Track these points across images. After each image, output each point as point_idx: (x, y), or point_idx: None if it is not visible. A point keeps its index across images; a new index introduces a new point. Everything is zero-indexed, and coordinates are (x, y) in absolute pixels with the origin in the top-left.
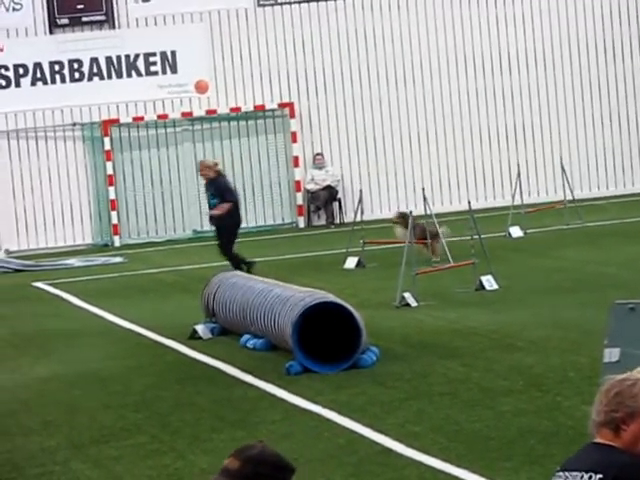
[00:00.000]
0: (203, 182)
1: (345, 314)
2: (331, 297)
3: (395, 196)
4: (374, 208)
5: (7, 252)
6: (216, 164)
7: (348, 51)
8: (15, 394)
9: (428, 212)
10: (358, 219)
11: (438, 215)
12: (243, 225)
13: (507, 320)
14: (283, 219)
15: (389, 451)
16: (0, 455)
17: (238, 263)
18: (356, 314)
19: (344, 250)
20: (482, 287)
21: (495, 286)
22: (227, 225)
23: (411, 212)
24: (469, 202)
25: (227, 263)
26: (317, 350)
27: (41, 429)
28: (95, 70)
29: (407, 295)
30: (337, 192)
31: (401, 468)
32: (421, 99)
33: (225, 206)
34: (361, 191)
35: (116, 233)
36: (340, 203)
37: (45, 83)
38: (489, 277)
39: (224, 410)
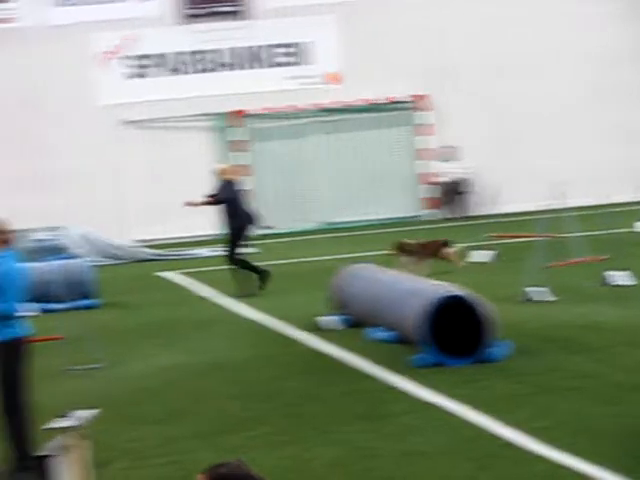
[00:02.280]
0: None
1: (475, 307)
2: (461, 290)
3: (528, 190)
4: (505, 201)
5: (134, 242)
6: (223, 169)
7: (481, 42)
8: (141, 383)
9: (564, 206)
10: (488, 212)
11: (571, 209)
12: (370, 217)
13: (638, 315)
14: (410, 211)
15: (516, 445)
16: (126, 444)
17: (246, 267)
18: (486, 307)
19: (473, 243)
20: (612, 282)
21: (626, 281)
22: (230, 230)
23: (549, 205)
24: (606, 196)
25: (358, 255)
26: (446, 343)
27: (167, 418)
28: (227, 61)
29: (536, 289)
30: (466, 185)
31: (528, 463)
32: (557, 92)
33: (201, 199)
34: (492, 184)
35: None
36: (469, 196)
37: (177, 74)
38: (620, 272)
39: (351, 402)
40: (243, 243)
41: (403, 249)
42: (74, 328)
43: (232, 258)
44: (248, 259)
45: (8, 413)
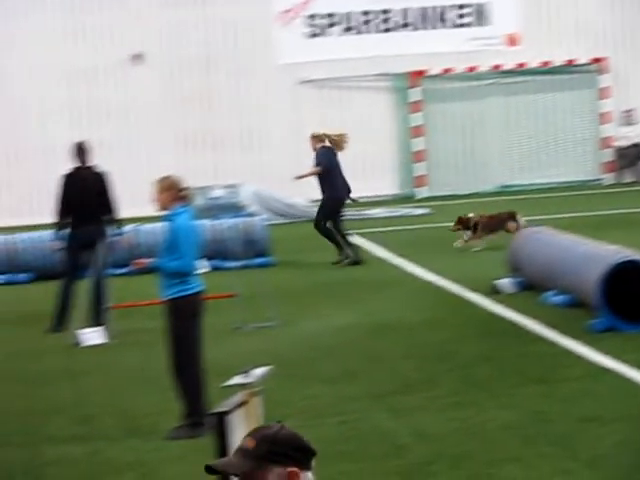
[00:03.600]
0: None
1: None
2: (638, 255)
3: None
4: None
5: (312, 201)
6: (321, 135)
7: None
8: (316, 342)
9: None
10: None
11: None
12: (547, 180)
13: None
14: (589, 175)
15: None
16: (302, 402)
17: (331, 239)
18: None
19: None
20: None
21: None
22: (325, 198)
23: None
24: None
25: (535, 217)
26: (623, 308)
27: (340, 377)
28: (405, 20)
29: None
30: None
31: None
32: None
33: (308, 170)
34: None
35: (422, 184)
36: None
37: (355, 33)
38: None
39: (525, 365)
40: (338, 215)
41: (462, 223)
42: (248, 286)
43: (320, 226)
44: (335, 234)
45: (181, 370)
